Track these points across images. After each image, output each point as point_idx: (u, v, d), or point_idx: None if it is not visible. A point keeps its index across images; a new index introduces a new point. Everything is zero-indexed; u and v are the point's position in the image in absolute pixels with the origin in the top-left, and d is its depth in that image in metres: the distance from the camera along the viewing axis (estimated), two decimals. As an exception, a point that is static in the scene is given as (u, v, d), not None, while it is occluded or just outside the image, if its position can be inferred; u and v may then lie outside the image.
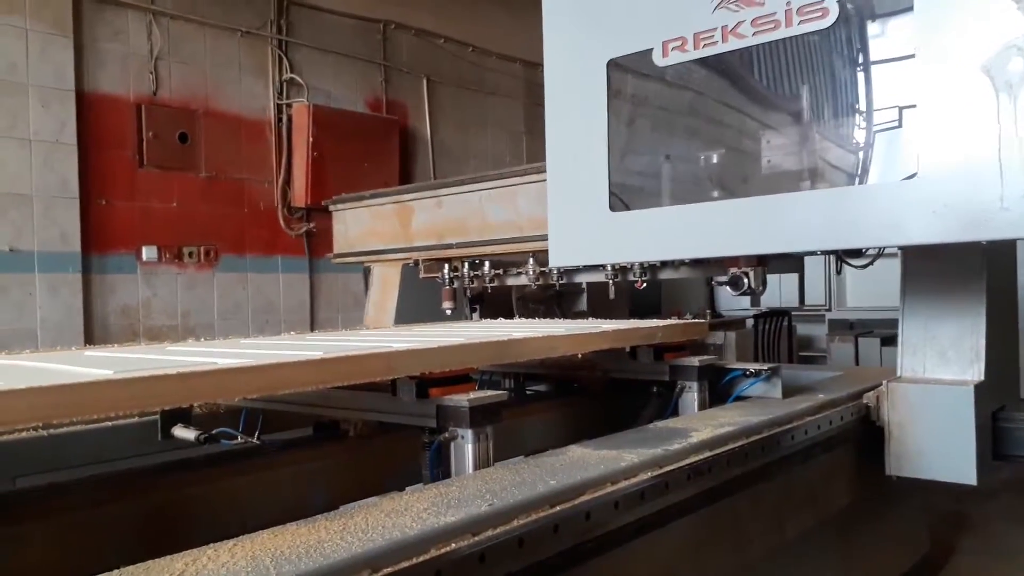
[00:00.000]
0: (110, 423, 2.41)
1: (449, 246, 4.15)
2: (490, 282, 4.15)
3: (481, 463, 1.71)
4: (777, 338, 7.21)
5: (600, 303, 4.40)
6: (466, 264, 4.17)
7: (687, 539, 1.79)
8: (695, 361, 2.58)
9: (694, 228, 2.46)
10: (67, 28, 5.31)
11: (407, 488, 1.61)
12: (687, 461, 1.73)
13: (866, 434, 2.47)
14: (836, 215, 2.17)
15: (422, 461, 1.80)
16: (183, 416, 2.34)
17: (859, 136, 2.24)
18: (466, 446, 1.71)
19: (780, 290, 8.01)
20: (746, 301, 9.74)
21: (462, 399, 1.71)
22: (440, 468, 1.77)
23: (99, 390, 1.30)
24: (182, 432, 2.27)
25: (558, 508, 1.40)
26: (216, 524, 1.87)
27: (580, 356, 2.34)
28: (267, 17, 6.51)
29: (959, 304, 2.48)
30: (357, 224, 4.74)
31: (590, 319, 3.52)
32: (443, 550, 1.19)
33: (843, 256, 2.85)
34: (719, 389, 2.63)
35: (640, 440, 1.86)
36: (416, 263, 4.41)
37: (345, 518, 1.26)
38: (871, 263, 2.84)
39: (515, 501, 1.36)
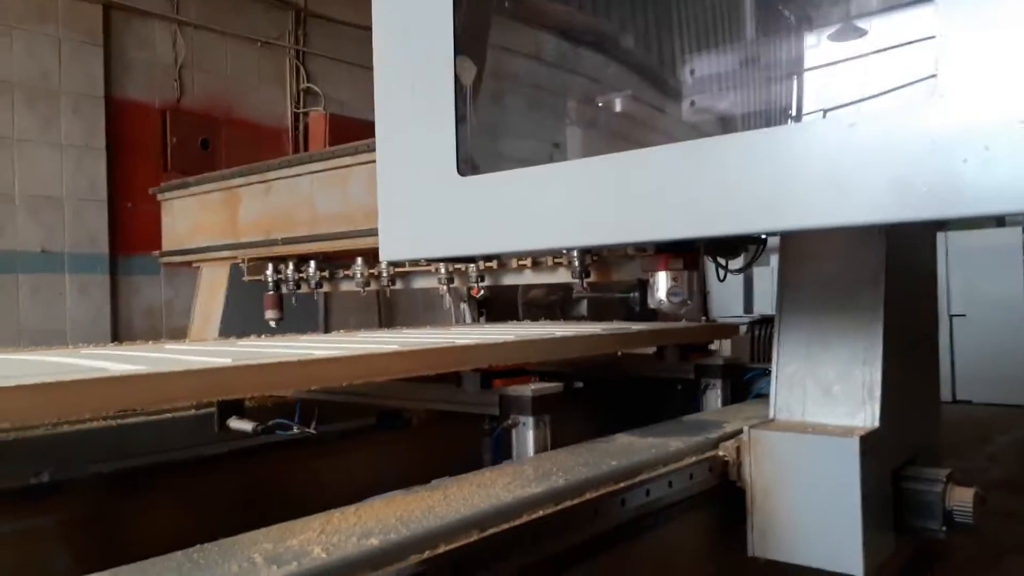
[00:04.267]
0: (169, 415, 2.58)
1: (274, 242, 3.58)
2: (316, 286, 3.65)
3: (540, 448, 1.89)
4: (771, 343, 7.39)
5: (597, 309, 4.47)
6: (291, 265, 3.68)
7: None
8: (719, 360, 2.77)
9: (583, 200, 1.54)
10: (98, 37, 5.49)
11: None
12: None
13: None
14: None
15: (483, 447, 1.98)
16: (236, 409, 2.50)
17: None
18: (527, 432, 1.89)
19: (772, 295, 8.12)
20: (739, 307, 9.67)
21: (525, 389, 1.89)
22: (500, 453, 1.96)
23: (222, 376, 1.48)
24: (238, 424, 2.42)
25: (623, 484, 1.58)
26: (296, 502, 2.04)
27: (620, 354, 2.53)
28: (285, 28, 6.71)
29: (849, 322, 1.84)
30: (185, 216, 4.09)
31: (596, 322, 3.68)
32: (534, 515, 1.37)
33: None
34: (738, 388, 2.83)
35: (679, 430, 2.04)
36: (243, 263, 3.82)
37: (442, 489, 1.44)
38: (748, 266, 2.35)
39: (586, 477, 1.54)
